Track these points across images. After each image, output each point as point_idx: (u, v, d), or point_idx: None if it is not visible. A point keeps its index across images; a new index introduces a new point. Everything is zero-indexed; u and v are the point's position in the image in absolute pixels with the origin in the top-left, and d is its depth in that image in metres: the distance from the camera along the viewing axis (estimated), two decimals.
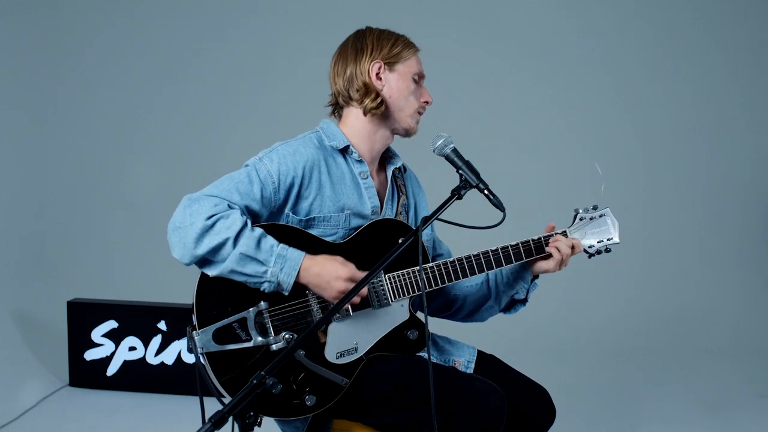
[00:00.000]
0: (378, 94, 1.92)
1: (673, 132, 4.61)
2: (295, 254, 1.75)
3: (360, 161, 1.95)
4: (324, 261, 1.78)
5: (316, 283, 1.76)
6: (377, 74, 1.93)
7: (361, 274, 1.79)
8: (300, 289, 1.79)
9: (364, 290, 1.78)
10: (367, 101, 1.92)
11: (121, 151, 4.65)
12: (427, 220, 1.74)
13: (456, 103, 4.28)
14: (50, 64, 4.58)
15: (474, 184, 1.76)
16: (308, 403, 1.78)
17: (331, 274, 1.76)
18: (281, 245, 1.75)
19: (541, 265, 1.98)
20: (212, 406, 1.51)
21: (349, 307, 1.84)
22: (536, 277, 2.04)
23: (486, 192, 1.76)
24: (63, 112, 4.62)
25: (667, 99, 4.61)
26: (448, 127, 1.93)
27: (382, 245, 1.86)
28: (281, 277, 1.74)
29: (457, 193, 1.75)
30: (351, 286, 1.75)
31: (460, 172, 1.78)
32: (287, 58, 4.60)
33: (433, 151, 1.83)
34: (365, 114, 1.94)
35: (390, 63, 1.93)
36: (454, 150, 1.81)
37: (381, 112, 1.93)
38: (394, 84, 1.93)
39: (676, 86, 4.60)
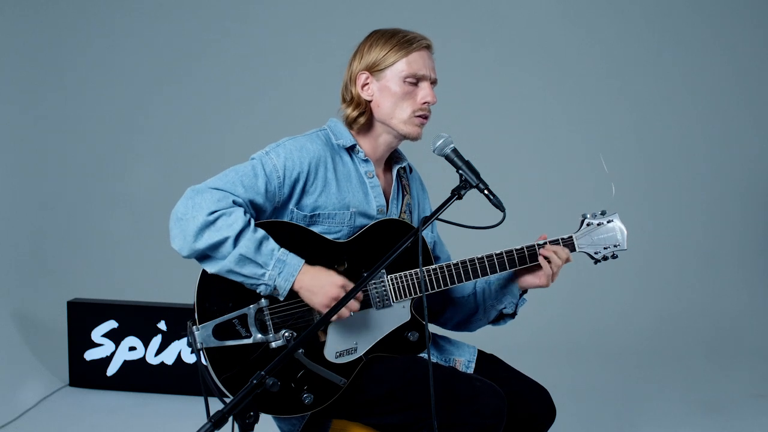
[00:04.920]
0: (360, 105, 1.91)
1: (675, 133, 4.61)
2: (294, 260, 1.74)
3: (366, 160, 1.94)
4: (321, 269, 1.77)
5: (309, 287, 1.74)
6: (363, 85, 1.91)
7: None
8: None
9: (360, 294, 1.78)
10: (349, 111, 1.92)
11: (122, 150, 4.65)
12: (427, 220, 1.74)
13: (457, 103, 4.28)
14: (50, 63, 4.58)
15: (474, 184, 1.75)
16: (306, 401, 1.78)
17: (326, 279, 1.75)
18: (282, 250, 1.74)
19: (532, 281, 1.97)
20: (213, 404, 1.51)
21: None
22: (525, 291, 2.03)
23: (486, 192, 1.76)
24: (63, 112, 4.62)
25: (669, 101, 4.61)
26: (448, 127, 1.92)
27: (386, 245, 1.84)
28: (278, 282, 1.73)
29: (457, 193, 1.75)
30: (343, 293, 1.73)
31: (460, 172, 1.77)
32: (291, 58, 4.59)
33: (433, 151, 1.82)
34: (347, 125, 1.94)
35: (377, 71, 1.89)
36: (454, 150, 1.80)
37: (362, 123, 1.92)
38: (379, 93, 1.90)
39: (677, 88, 4.60)
